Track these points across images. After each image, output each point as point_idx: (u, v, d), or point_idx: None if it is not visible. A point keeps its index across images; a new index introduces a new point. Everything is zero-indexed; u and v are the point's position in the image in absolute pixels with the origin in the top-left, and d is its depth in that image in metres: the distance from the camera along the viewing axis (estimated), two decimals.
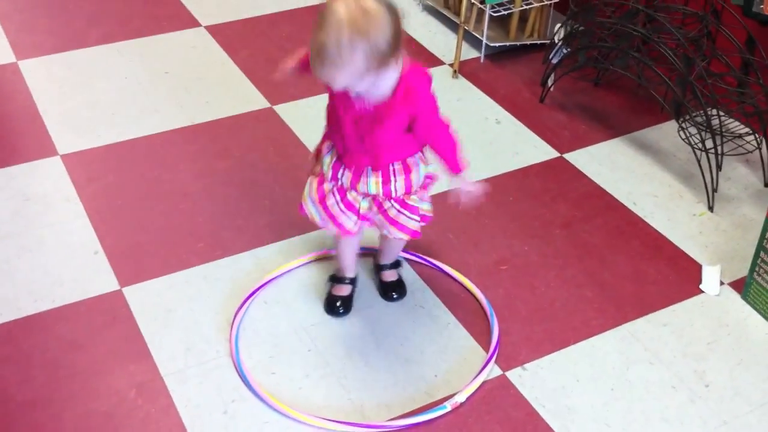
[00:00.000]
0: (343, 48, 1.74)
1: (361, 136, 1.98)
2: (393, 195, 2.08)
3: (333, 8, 1.75)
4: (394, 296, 2.37)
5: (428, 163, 2.11)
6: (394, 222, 2.12)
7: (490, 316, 2.29)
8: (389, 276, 2.39)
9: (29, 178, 2.76)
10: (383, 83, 1.88)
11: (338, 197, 2.09)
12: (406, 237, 2.15)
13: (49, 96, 3.16)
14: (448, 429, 2.03)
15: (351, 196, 2.09)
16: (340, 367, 2.17)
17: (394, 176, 2.05)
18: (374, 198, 2.10)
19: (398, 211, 2.10)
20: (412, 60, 1.92)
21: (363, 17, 1.74)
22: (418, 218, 2.13)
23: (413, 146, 2.05)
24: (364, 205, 2.10)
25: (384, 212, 2.11)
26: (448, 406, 2.06)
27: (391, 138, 1.98)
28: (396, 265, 2.39)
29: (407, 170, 2.06)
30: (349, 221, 2.11)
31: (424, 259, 2.46)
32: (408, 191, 2.09)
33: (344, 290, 2.33)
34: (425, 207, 2.17)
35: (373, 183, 2.05)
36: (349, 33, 1.73)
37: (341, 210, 2.10)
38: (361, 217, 2.12)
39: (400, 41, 1.81)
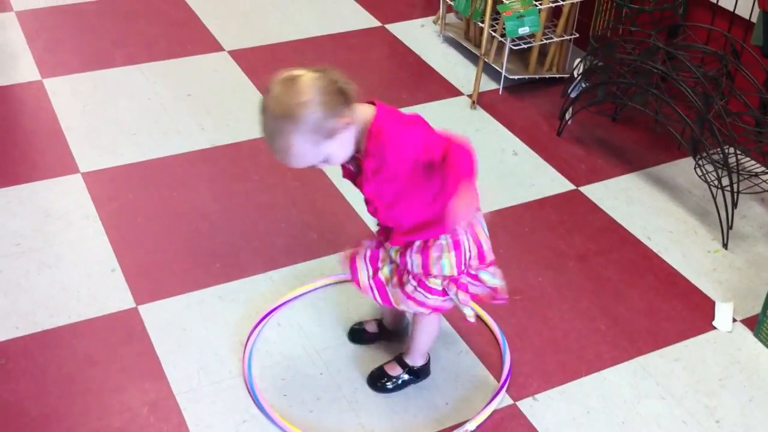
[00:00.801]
0: (275, 136, 1.73)
1: (369, 200, 1.93)
2: (409, 267, 1.96)
3: (266, 94, 1.74)
4: (378, 385, 2.21)
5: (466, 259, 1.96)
6: (410, 297, 1.97)
7: (502, 345, 2.30)
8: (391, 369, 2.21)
9: (50, 194, 2.80)
10: (345, 145, 1.78)
11: (371, 247, 2.04)
12: (425, 311, 2.00)
13: (73, 114, 3.21)
14: None
15: (382, 253, 2.03)
16: (352, 392, 2.18)
17: (411, 250, 1.94)
18: (397, 268, 2.01)
19: (414, 288, 1.97)
20: (379, 103, 1.84)
21: (287, 97, 1.70)
22: (437, 298, 1.98)
23: (433, 219, 1.89)
24: (385, 271, 2.02)
25: (401, 285, 1.99)
26: None
27: (398, 195, 1.87)
28: (404, 365, 2.20)
29: (425, 249, 1.93)
30: (363, 273, 2.03)
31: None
32: (426, 272, 1.95)
33: (371, 325, 2.33)
34: (447, 298, 2.00)
35: (394, 249, 1.99)
36: (274, 121, 1.72)
37: (364, 257, 2.04)
38: (375, 278, 2.02)
39: (345, 99, 1.74)
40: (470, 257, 1.96)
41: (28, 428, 2.05)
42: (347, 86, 1.75)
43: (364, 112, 1.80)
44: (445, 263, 1.93)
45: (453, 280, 1.96)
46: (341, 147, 1.78)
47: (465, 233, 1.94)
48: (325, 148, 1.75)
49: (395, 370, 2.19)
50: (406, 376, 2.19)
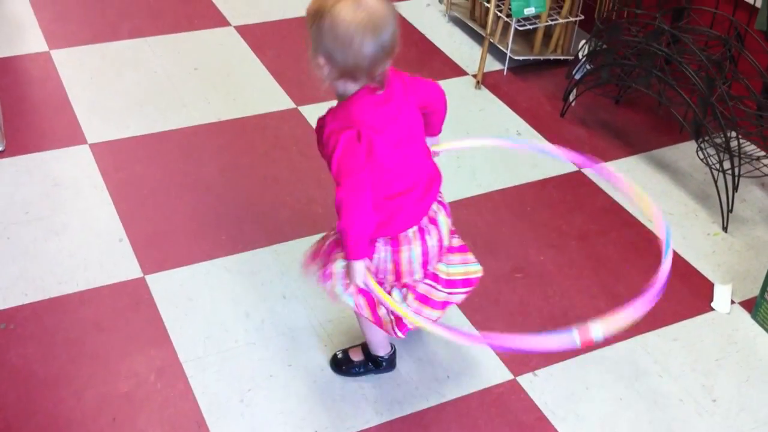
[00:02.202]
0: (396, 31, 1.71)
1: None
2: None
3: (363, 10, 1.67)
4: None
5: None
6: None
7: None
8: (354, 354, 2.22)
9: (58, 164, 2.82)
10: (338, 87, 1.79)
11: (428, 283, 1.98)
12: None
13: (80, 86, 3.23)
14: (458, 431, 2.08)
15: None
16: None
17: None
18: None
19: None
20: (364, 91, 1.79)
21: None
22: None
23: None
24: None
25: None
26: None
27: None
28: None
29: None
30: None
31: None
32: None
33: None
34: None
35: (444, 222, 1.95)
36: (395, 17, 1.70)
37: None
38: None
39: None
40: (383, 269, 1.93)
41: (37, 390, 2.09)
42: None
43: (352, 89, 1.76)
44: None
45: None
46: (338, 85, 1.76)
47: (384, 247, 1.90)
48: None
49: (358, 356, 2.19)
50: (367, 364, 2.18)
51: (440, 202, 1.96)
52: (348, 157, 1.73)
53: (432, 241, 1.91)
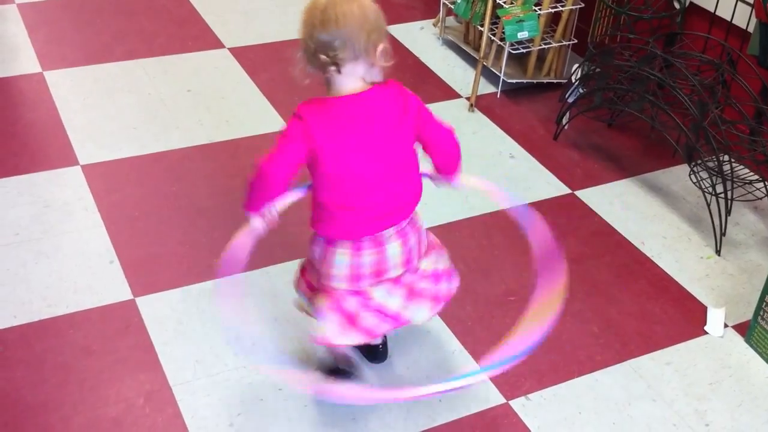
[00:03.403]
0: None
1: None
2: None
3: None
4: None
5: None
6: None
7: None
8: None
9: (50, 186, 2.81)
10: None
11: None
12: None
13: (73, 107, 3.22)
14: None
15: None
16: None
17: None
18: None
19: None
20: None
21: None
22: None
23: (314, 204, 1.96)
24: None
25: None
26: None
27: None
28: None
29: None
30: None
31: None
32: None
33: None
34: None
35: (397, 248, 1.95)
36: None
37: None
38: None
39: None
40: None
41: (24, 416, 2.07)
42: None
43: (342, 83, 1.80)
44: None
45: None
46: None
47: (319, 240, 1.96)
48: None
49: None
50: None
51: (402, 232, 1.93)
52: (284, 131, 1.82)
53: (366, 260, 1.90)
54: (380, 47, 1.76)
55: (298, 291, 2.12)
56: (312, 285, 2.03)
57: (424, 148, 1.93)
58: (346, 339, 1.94)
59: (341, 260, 1.90)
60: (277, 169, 1.84)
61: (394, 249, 1.91)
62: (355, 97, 1.78)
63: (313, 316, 1.99)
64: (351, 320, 1.93)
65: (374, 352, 2.25)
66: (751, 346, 2.41)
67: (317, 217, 1.91)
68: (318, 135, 1.77)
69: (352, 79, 1.78)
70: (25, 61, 3.48)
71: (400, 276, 1.96)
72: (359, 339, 1.96)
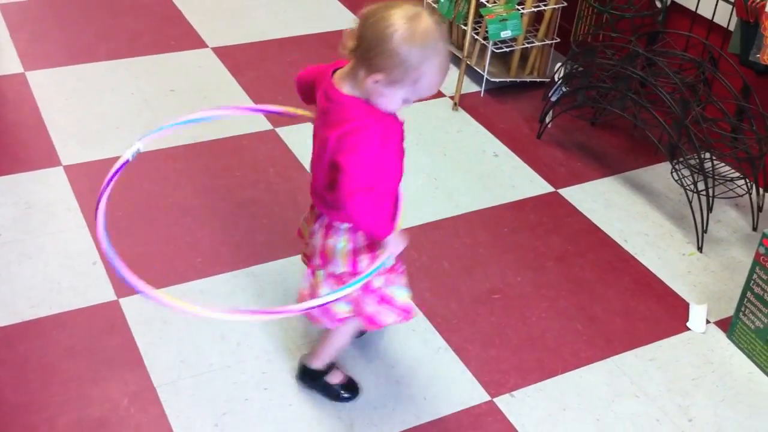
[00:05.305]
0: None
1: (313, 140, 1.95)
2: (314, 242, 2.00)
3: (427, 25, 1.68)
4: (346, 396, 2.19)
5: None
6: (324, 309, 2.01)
7: None
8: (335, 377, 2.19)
9: (32, 186, 2.80)
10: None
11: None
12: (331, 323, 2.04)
13: (55, 107, 3.21)
14: None
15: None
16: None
17: (317, 224, 2.01)
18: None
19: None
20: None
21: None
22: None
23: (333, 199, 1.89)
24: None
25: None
26: None
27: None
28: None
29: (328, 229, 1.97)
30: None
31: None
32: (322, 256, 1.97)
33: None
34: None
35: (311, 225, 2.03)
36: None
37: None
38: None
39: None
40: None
41: (8, 417, 2.06)
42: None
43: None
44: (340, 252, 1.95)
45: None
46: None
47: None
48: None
49: (337, 378, 2.18)
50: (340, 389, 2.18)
51: (325, 227, 1.96)
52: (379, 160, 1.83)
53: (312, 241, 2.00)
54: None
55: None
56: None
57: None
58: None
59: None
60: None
61: (315, 241, 1.99)
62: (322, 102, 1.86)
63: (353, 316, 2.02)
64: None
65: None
66: (733, 341, 2.43)
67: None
68: None
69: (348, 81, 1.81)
70: (6, 62, 3.46)
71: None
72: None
